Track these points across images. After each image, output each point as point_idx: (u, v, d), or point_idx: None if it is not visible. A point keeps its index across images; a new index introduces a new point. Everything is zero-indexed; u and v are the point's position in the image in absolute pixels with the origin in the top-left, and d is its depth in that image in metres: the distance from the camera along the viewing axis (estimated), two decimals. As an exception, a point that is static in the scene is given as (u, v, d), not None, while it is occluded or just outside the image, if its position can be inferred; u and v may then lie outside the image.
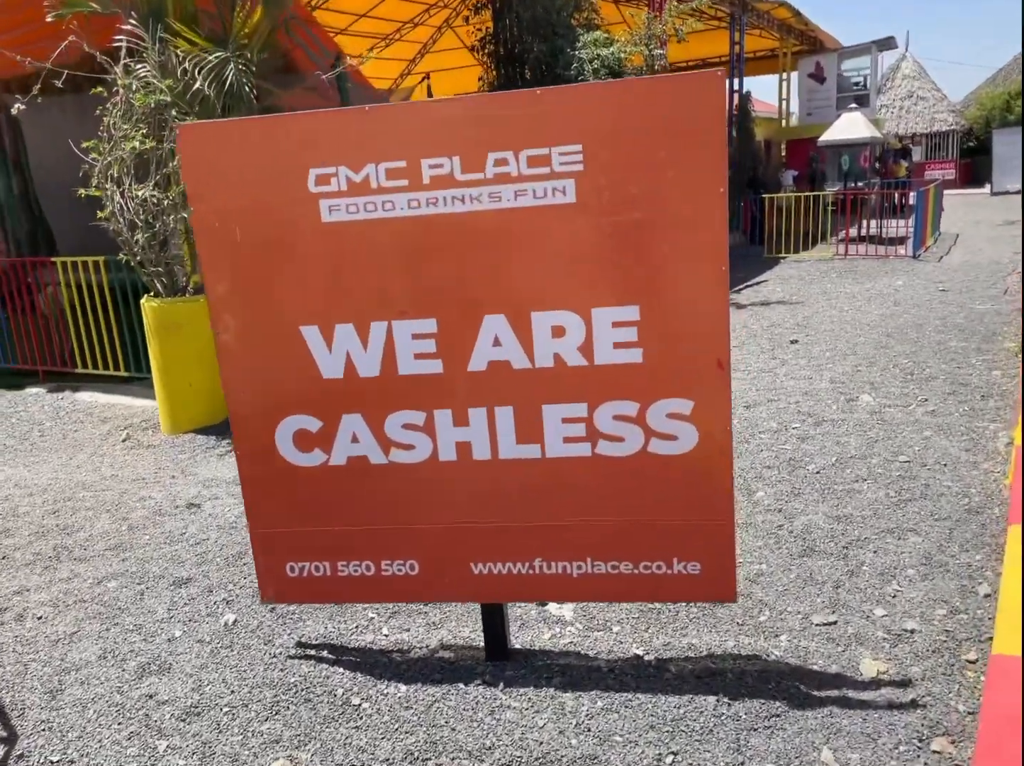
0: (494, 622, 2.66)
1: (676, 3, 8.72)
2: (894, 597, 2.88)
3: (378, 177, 2.31)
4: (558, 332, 2.35)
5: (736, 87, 16.50)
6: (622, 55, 8.24)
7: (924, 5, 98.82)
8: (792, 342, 6.99)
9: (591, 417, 2.40)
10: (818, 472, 4.00)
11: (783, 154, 19.59)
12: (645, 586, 2.51)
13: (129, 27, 4.94)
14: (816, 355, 6.45)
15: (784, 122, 20.80)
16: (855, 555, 3.19)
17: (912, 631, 2.68)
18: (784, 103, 20.77)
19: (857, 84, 19.82)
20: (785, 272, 11.34)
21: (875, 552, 3.20)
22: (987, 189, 23.86)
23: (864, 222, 13.54)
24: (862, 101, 19.47)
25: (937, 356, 6.13)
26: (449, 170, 2.29)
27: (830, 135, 14.38)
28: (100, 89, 4.91)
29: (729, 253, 2.25)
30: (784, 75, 20.44)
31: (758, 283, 10.60)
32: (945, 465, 3.97)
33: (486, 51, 8.82)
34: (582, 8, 8.82)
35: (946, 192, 25.61)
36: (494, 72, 8.81)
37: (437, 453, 2.49)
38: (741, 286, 10.42)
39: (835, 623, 2.75)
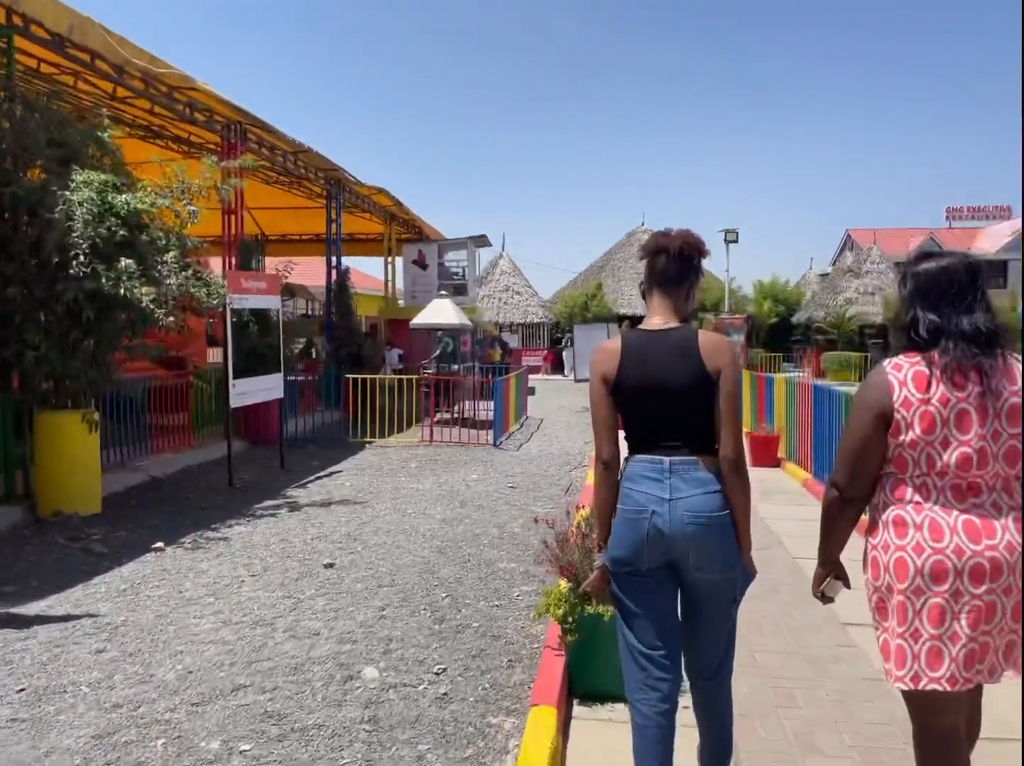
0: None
1: (219, 158, 7.59)
2: None
3: None
4: None
5: (335, 263, 16.11)
6: (143, 206, 6.71)
7: (518, 215, 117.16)
8: (327, 566, 5.60)
9: None
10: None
11: (388, 333, 19.58)
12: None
13: None
14: (345, 588, 5.09)
15: (389, 302, 21.09)
16: None
17: None
18: (391, 284, 21.17)
19: (456, 274, 20.98)
20: (366, 460, 10.30)
21: None
22: (572, 376, 26.58)
23: (458, 405, 13.42)
24: (461, 290, 20.57)
25: (481, 585, 5.16)
26: None
27: (421, 318, 14.39)
28: None
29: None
30: (389, 258, 20.95)
31: (332, 474, 9.34)
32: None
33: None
34: (110, 151, 7.23)
35: (539, 377, 28.42)
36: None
37: None
38: (312, 477, 9.06)
39: None
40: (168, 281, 6.90)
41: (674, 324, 2.43)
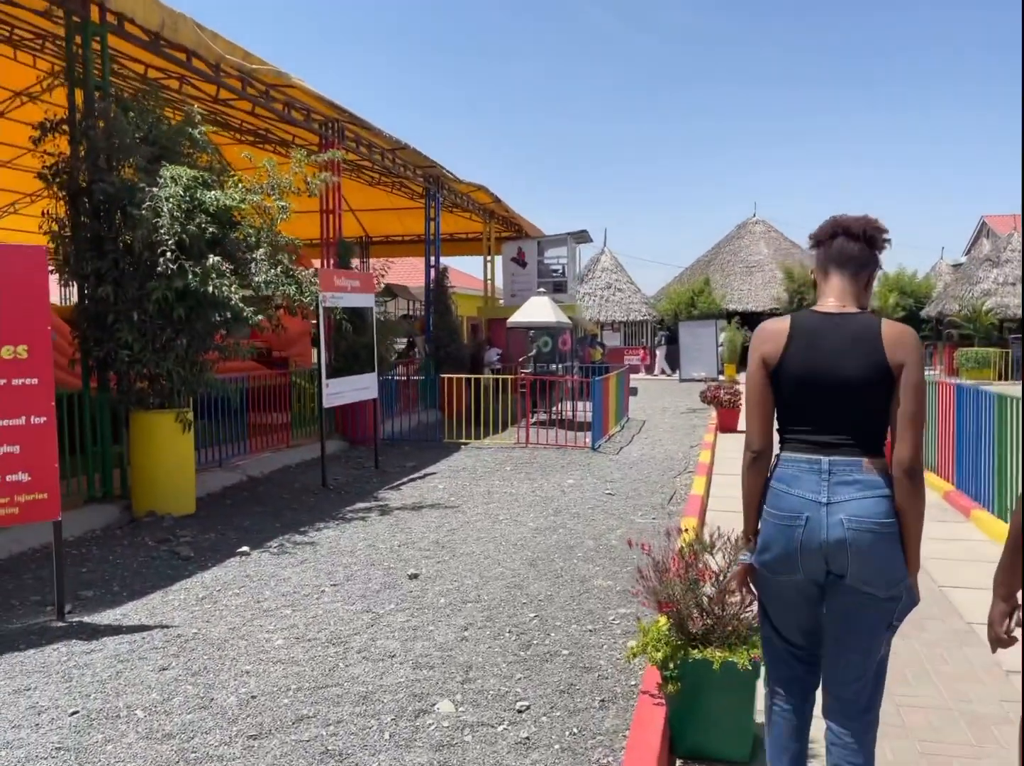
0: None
1: (307, 153, 7.43)
2: None
3: None
4: None
5: (433, 262, 15.97)
6: (232, 202, 6.60)
7: (621, 209, 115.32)
8: (412, 577, 5.26)
9: None
10: None
11: (488, 333, 19.33)
12: None
13: None
14: (428, 603, 4.73)
15: (489, 302, 20.86)
16: None
17: None
18: (489, 283, 20.95)
19: (556, 271, 20.54)
20: (460, 462, 9.99)
21: None
22: (678, 375, 25.62)
23: (557, 406, 12.96)
24: (560, 287, 20.12)
25: (574, 604, 4.68)
26: None
27: (518, 317, 13.99)
28: None
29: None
30: (488, 257, 20.73)
31: (425, 475, 9.07)
32: None
33: (57, 181, 6.79)
34: (202, 147, 7.19)
35: (644, 377, 27.54)
36: (65, 206, 6.78)
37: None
38: (405, 479, 8.82)
39: None
40: (256, 279, 6.76)
41: (853, 309, 2.20)
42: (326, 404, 8.35)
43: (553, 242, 20.58)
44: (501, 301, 21.88)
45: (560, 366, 16.20)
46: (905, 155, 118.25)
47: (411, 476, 9.04)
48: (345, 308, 9.51)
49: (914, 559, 2.12)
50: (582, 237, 21.44)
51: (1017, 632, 1.99)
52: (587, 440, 11.19)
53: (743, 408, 8.45)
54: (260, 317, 6.69)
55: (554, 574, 5.31)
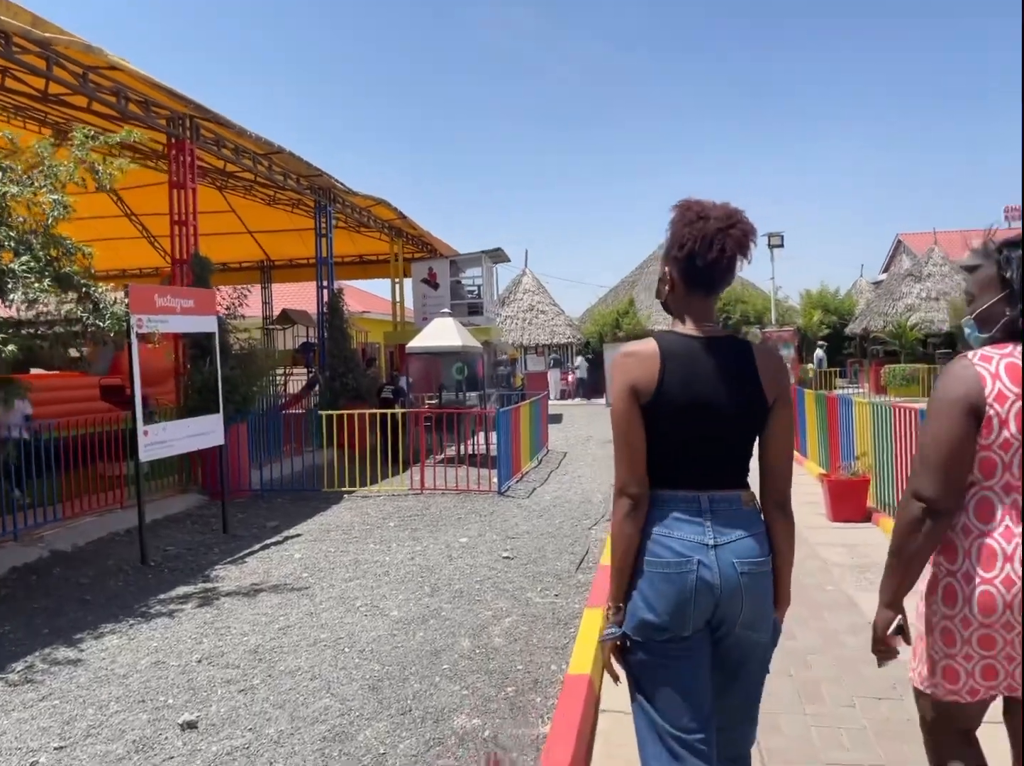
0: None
1: (93, 133, 5.69)
2: None
3: None
4: None
5: (326, 284, 14.26)
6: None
7: (544, 233, 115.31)
8: (185, 727, 3.55)
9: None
10: None
11: (397, 360, 17.67)
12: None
13: None
14: (184, 786, 3.04)
15: (399, 326, 19.23)
16: None
17: None
18: (399, 306, 19.34)
19: (471, 292, 19.08)
20: (336, 518, 8.26)
21: None
22: (603, 400, 24.36)
23: (467, 441, 11.35)
24: (476, 309, 18.66)
25: (413, 774, 3.07)
26: None
27: (419, 342, 12.39)
28: None
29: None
30: (397, 279, 19.14)
31: (285, 539, 7.32)
32: None
33: None
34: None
35: (569, 402, 26.26)
36: None
37: None
38: (257, 546, 7.05)
39: None
40: (13, 295, 4.99)
41: (721, 332, 2.02)
42: (145, 456, 6.56)
43: (467, 261, 19.11)
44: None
45: (482, 393, 14.70)
46: (823, 172, 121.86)
47: (267, 541, 7.27)
48: (189, 334, 7.76)
49: (785, 593, 2.03)
50: (498, 256, 20.03)
51: (900, 643, 2.00)
52: (495, 481, 9.61)
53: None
54: (10, 347, 4.89)
55: (401, 708, 3.67)
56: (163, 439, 6.77)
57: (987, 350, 1.95)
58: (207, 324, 7.40)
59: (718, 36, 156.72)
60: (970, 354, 1.96)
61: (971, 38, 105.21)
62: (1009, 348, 1.93)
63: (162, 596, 5.67)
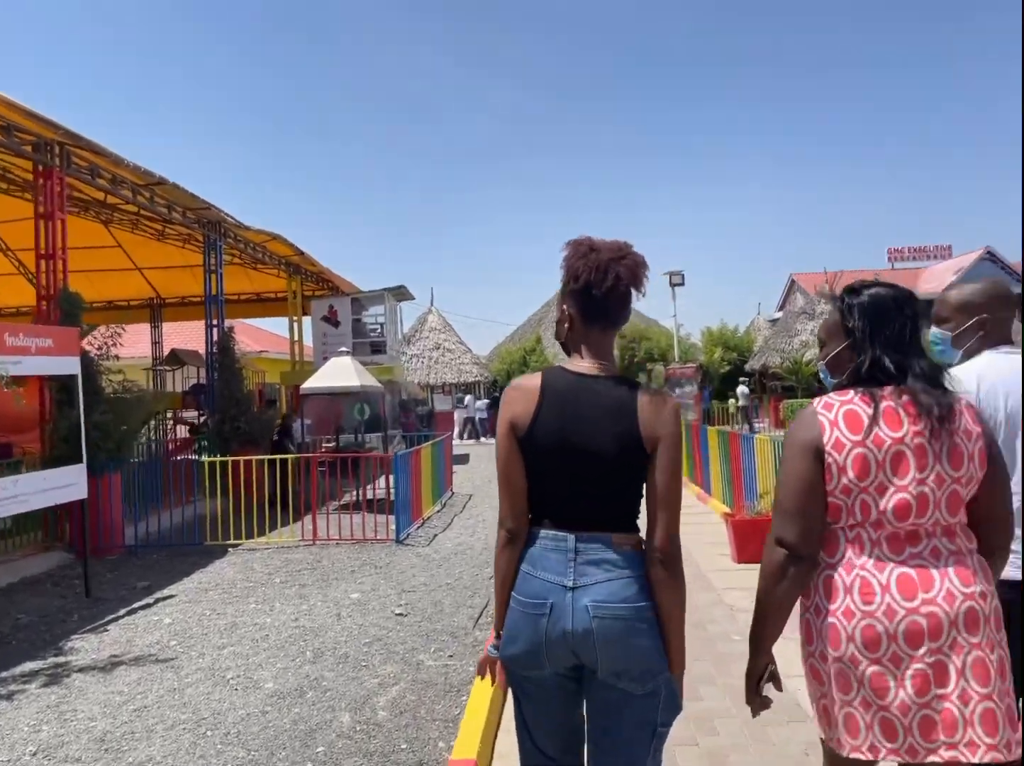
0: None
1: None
2: None
3: None
4: None
5: (216, 322, 13.53)
6: None
7: (450, 271, 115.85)
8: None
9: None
10: None
11: (295, 402, 16.94)
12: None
13: None
14: None
15: (297, 366, 18.53)
16: None
17: None
18: (297, 345, 18.66)
19: (374, 330, 18.60)
20: (217, 575, 7.59)
21: None
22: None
23: (366, 486, 10.80)
24: (379, 348, 18.18)
25: None
26: None
27: (315, 382, 11.83)
28: None
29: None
30: (296, 317, 18.49)
31: (156, 602, 6.63)
32: None
33: None
34: None
35: (481, 440, 25.91)
36: None
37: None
38: (123, 611, 6.34)
39: None
40: None
41: (611, 372, 1.99)
42: (-12, 515, 5.80)
43: (369, 299, 18.66)
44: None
45: (384, 435, 14.20)
46: (718, 213, 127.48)
47: (135, 604, 6.57)
48: (56, 377, 7.04)
49: (677, 653, 1.89)
50: (402, 294, 19.69)
51: (772, 690, 1.97)
52: (393, 529, 9.12)
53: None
54: None
55: (262, 805, 3.19)
56: (14, 494, 6.04)
57: (831, 397, 1.96)
58: (68, 366, 6.71)
59: (623, 84, 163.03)
60: (816, 401, 1.98)
61: (863, 87, 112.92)
62: (850, 395, 1.93)
63: (4, 674, 4.96)
